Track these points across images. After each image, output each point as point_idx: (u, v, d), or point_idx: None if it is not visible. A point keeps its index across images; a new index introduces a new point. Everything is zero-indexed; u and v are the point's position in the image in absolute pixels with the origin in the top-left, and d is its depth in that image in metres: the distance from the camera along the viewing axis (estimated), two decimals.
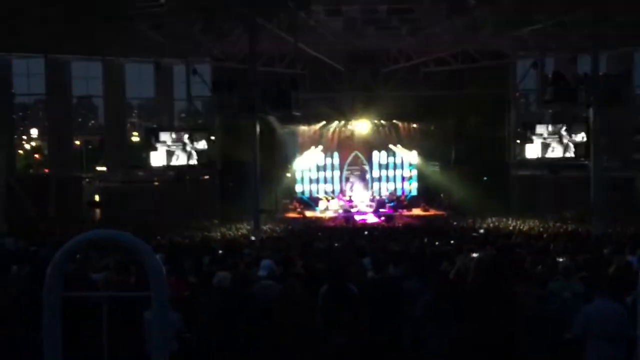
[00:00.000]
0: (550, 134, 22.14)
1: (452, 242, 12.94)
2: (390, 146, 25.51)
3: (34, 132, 32.19)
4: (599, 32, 16.73)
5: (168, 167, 23.10)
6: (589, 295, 4.34)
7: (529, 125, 22.53)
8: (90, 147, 27.09)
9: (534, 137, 22.21)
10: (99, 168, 25.42)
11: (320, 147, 25.30)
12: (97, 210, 23.27)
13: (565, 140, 22.36)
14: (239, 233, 18.65)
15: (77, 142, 25.99)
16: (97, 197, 23.70)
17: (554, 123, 22.64)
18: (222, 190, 23.61)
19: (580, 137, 21.88)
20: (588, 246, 9.89)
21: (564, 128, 22.27)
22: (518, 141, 23.87)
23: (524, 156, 22.89)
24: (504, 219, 20.17)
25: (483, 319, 4.41)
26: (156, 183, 23.72)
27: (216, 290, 5.69)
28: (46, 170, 25.14)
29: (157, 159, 22.75)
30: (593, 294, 4.26)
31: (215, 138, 23.72)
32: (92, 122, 28.53)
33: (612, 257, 7.10)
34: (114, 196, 22.79)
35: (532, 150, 22.24)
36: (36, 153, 30.20)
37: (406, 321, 5.55)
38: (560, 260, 7.19)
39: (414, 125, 25.05)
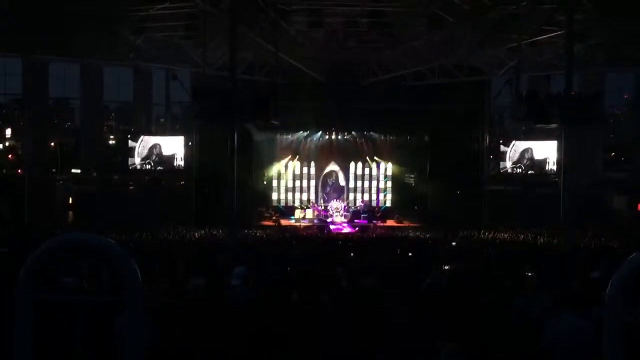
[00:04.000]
0: (523, 150, 22.58)
1: (425, 254, 13.01)
2: (367, 157, 25.72)
3: (8, 132, 31.60)
4: (572, 52, 17.07)
5: (144, 171, 22.90)
6: (556, 311, 4.41)
7: (503, 141, 22.94)
8: (65, 148, 26.69)
9: (507, 153, 22.61)
10: (73, 170, 25.04)
11: (298, 156, 25.42)
12: (70, 213, 22.91)
13: (537, 157, 22.80)
14: (213, 239, 18.50)
15: (52, 144, 25.59)
16: (70, 200, 23.34)
17: (526, 140, 23.08)
18: (198, 196, 23.44)
19: (552, 154, 22.35)
20: (556, 261, 10.05)
21: (537, 145, 22.75)
22: (492, 156, 24.22)
23: (497, 171, 23.26)
24: (476, 232, 20.36)
25: (458, 331, 4.46)
26: (131, 187, 23.45)
27: (192, 296, 5.66)
28: (20, 171, 24.67)
29: (133, 162, 22.57)
30: (560, 309, 4.34)
31: (193, 144, 23.59)
32: (69, 124, 28.12)
33: (580, 272, 7.24)
34: (88, 199, 22.47)
35: (505, 166, 22.65)
36: (10, 153, 29.62)
37: (381, 333, 5.56)
38: (529, 274, 7.31)
39: (391, 138, 25.26)
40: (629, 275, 2.04)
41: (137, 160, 22.64)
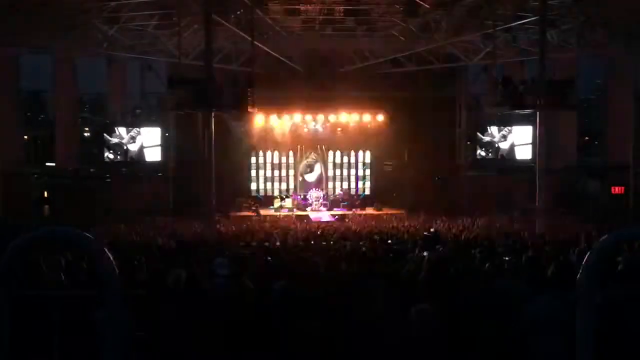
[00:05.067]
0: (498, 136, 22.84)
1: (403, 241, 13.13)
2: (345, 145, 25.80)
3: None
4: (545, 38, 17.29)
5: (120, 164, 22.68)
6: (533, 294, 4.51)
7: (479, 127, 23.17)
8: (38, 142, 26.24)
9: (482, 139, 22.86)
10: (48, 164, 24.66)
11: (276, 145, 25.38)
12: (46, 207, 22.60)
13: (512, 143, 23.07)
14: (192, 231, 18.42)
15: (25, 137, 25.15)
16: (45, 194, 23.02)
17: (502, 126, 23.33)
18: (175, 188, 23.29)
19: (527, 139, 22.64)
20: (532, 245, 10.22)
21: (512, 131, 23.01)
22: (468, 142, 24.44)
23: (473, 157, 23.50)
24: (454, 218, 20.56)
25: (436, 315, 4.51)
26: (108, 180, 23.21)
27: (171, 288, 5.64)
28: None
29: (109, 155, 22.34)
30: (537, 292, 4.43)
31: (169, 135, 23.39)
32: (42, 116, 27.62)
33: (554, 256, 7.38)
34: (64, 193, 22.18)
35: (481, 152, 22.90)
36: None
37: (360, 320, 5.61)
38: (506, 259, 7.43)
39: (369, 126, 25.33)
40: (600, 258, 2.09)
41: (112, 152, 22.42)
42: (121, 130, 22.54)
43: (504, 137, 23.18)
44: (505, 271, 6.54)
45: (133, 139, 22.54)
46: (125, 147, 22.48)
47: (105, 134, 22.60)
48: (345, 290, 6.20)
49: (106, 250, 2.18)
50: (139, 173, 22.72)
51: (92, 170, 23.48)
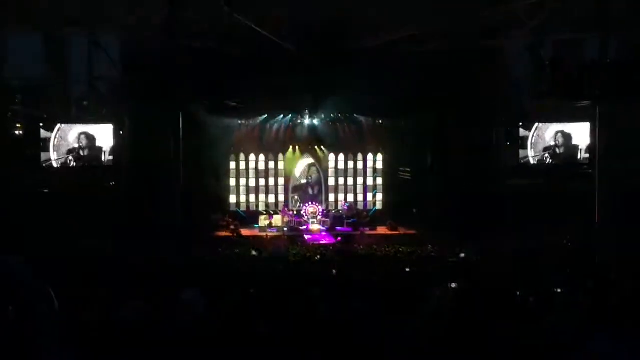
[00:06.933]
0: (548, 134, 22.86)
1: (426, 269, 13.18)
2: (351, 148, 25.83)
3: None
4: (609, 9, 17.33)
5: (61, 170, 22.67)
6: (590, 332, 4.53)
7: (523, 123, 23.17)
8: None
9: (528, 138, 22.86)
10: None
11: (262, 147, 25.43)
12: None
13: (565, 142, 23.09)
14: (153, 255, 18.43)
15: None
16: None
17: (552, 120, 23.36)
18: (132, 200, 23.25)
19: (585, 138, 22.68)
20: (591, 271, 10.24)
21: (565, 126, 23.05)
22: (509, 143, 24.43)
23: (516, 161, 23.48)
24: (491, 240, 20.57)
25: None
26: (45, 190, 23.19)
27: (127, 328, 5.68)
28: None
29: (47, 159, 22.33)
30: (595, 329, 4.46)
31: (124, 133, 23.38)
32: None
33: (620, 284, 7.41)
34: None
35: (526, 154, 22.89)
36: None
37: None
38: (558, 290, 7.46)
39: (381, 122, 25.36)
40: None
41: (53, 155, 22.39)
42: (63, 128, 22.53)
43: (555, 136, 23.23)
44: (557, 306, 6.57)
45: (79, 138, 22.55)
46: (69, 149, 22.47)
47: (43, 131, 22.57)
48: (353, 332, 6.23)
49: (43, 281, 2.18)
50: (85, 181, 22.68)
51: (24, 178, 23.43)
